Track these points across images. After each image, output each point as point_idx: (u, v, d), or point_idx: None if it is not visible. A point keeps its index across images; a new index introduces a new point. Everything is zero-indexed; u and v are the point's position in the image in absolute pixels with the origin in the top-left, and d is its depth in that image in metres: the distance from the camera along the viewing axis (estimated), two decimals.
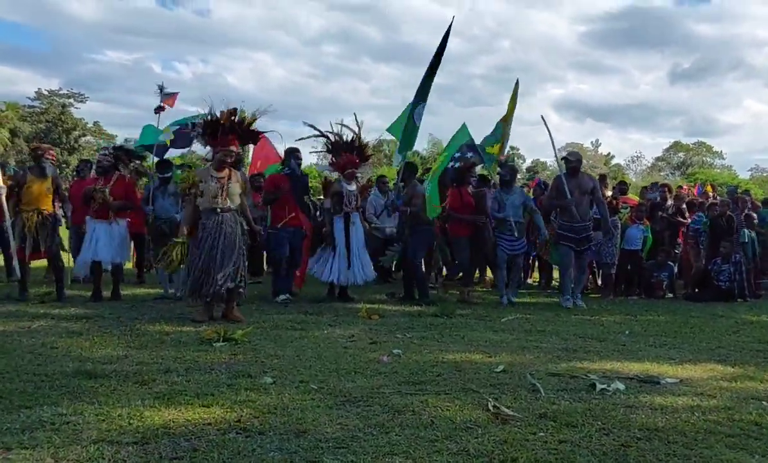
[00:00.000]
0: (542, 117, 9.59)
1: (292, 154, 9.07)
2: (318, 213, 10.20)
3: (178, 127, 9.69)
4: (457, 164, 9.61)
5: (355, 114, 9.01)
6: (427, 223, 9.09)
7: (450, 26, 9.74)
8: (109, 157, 8.62)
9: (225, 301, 7.01)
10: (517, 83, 10.32)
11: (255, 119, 7.20)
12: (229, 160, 7.07)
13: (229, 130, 7.05)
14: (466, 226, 9.27)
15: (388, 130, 10.01)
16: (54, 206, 8.44)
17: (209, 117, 7.00)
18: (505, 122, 10.12)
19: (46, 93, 55.18)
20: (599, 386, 4.42)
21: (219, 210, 6.87)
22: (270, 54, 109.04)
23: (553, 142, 9.58)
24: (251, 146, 9.12)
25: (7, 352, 5.05)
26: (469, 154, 9.72)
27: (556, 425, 3.60)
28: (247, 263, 7.24)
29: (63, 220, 8.82)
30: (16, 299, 8.13)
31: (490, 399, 3.99)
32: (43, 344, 5.42)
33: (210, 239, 6.81)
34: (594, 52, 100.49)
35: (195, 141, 8.50)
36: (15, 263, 8.15)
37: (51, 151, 8.61)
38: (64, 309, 7.44)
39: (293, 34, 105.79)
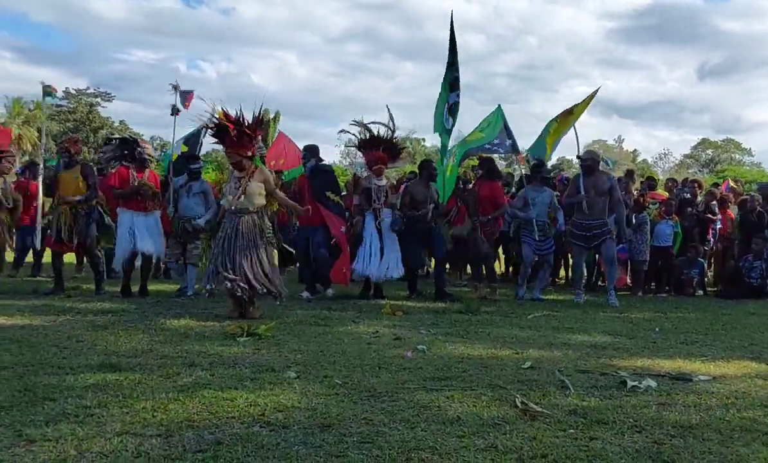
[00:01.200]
0: (571, 117, 9.52)
1: (307, 152, 9.08)
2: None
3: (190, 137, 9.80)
4: (499, 151, 9.58)
5: (388, 108, 8.90)
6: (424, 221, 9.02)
7: (452, 21, 9.71)
8: (143, 150, 8.66)
9: (245, 299, 6.85)
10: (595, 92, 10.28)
11: (262, 117, 7.09)
12: (238, 161, 6.88)
13: (234, 134, 6.81)
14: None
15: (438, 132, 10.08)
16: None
17: (216, 122, 6.83)
18: (564, 125, 10.11)
19: (74, 92, 55.84)
20: (630, 384, 4.31)
21: (234, 210, 6.78)
22: (293, 53, 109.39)
23: (577, 142, 9.58)
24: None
25: (33, 345, 5.07)
26: (508, 142, 9.62)
27: (586, 422, 3.51)
28: (266, 264, 6.95)
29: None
30: (44, 293, 8.19)
31: (518, 395, 3.90)
32: (69, 337, 5.44)
33: (226, 238, 6.75)
34: (620, 49, 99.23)
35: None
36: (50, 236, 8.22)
37: (76, 145, 8.66)
38: (90, 303, 7.49)
39: (316, 33, 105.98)
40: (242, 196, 6.78)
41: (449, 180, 9.49)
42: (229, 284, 6.59)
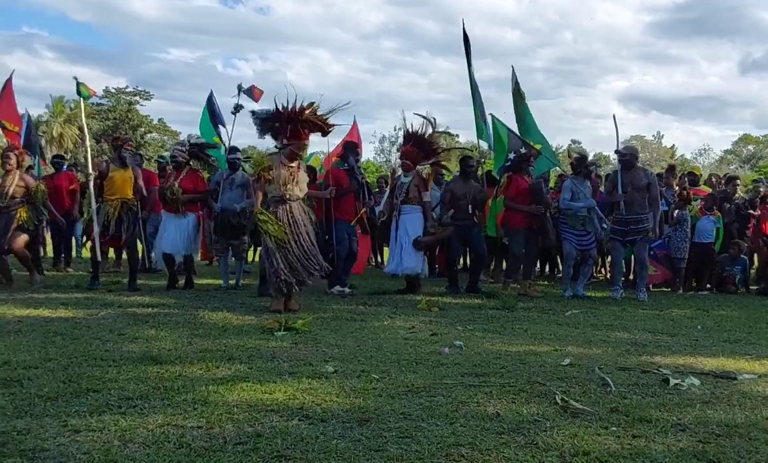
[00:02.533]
0: (614, 116, 9.40)
1: (352, 149, 9.07)
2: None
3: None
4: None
5: (427, 113, 9.01)
6: (465, 218, 8.99)
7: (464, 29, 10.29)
8: (184, 152, 8.80)
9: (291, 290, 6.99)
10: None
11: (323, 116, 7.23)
12: (301, 154, 7.20)
13: (302, 124, 7.03)
14: (522, 217, 9.11)
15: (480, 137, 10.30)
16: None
17: (281, 109, 6.97)
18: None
19: (113, 91, 56.86)
20: (673, 381, 4.22)
21: (288, 197, 6.92)
22: (328, 50, 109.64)
23: (617, 137, 9.44)
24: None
25: (77, 338, 5.17)
26: (523, 150, 9.56)
27: (628, 419, 3.45)
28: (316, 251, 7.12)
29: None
30: (86, 288, 8.35)
31: (558, 392, 3.86)
32: (111, 330, 5.53)
33: (295, 227, 6.88)
34: (659, 43, 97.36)
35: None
36: (97, 247, 8.38)
37: (129, 143, 8.85)
38: (131, 298, 7.62)
39: (351, 29, 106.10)
40: (295, 184, 6.99)
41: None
42: (304, 276, 6.91)
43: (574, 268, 9.43)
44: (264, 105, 8.12)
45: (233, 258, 9.17)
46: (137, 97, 57.12)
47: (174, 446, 2.90)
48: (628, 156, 9.07)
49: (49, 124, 54.15)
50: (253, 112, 7.36)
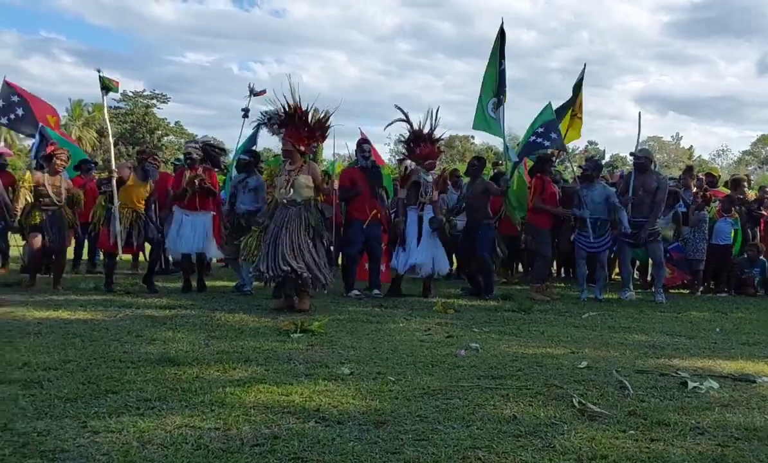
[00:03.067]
0: (639, 115, 9.36)
1: (357, 147, 9.07)
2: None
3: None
4: (544, 144, 9.46)
5: (433, 109, 8.81)
6: (489, 218, 8.95)
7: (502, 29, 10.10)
8: (198, 149, 8.83)
9: (292, 292, 7.08)
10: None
11: (327, 117, 7.37)
12: (288, 149, 7.20)
13: (297, 125, 7.17)
14: (548, 218, 9.08)
15: (475, 127, 10.27)
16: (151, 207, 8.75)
17: (283, 109, 7.15)
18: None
19: (131, 94, 57.27)
20: (691, 385, 4.19)
21: (285, 202, 7.04)
22: (343, 52, 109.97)
23: (638, 139, 9.40)
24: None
25: (95, 339, 5.22)
26: (553, 135, 9.48)
27: (646, 423, 3.43)
28: (318, 256, 7.14)
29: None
30: (103, 291, 8.41)
31: (575, 395, 3.84)
32: (129, 332, 5.57)
33: (275, 229, 7.00)
34: (676, 43, 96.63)
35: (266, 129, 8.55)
36: (117, 237, 8.45)
37: (154, 157, 8.91)
38: (148, 299, 7.67)
39: (366, 31, 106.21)
40: (291, 189, 7.03)
41: (519, 191, 9.48)
42: (271, 274, 6.86)
43: (591, 272, 9.40)
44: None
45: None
46: (154, 101, 57.55)
47: (192, 448, 2.92)
48: (642, 159, 9.03)
49: (68, 127, 54.63)
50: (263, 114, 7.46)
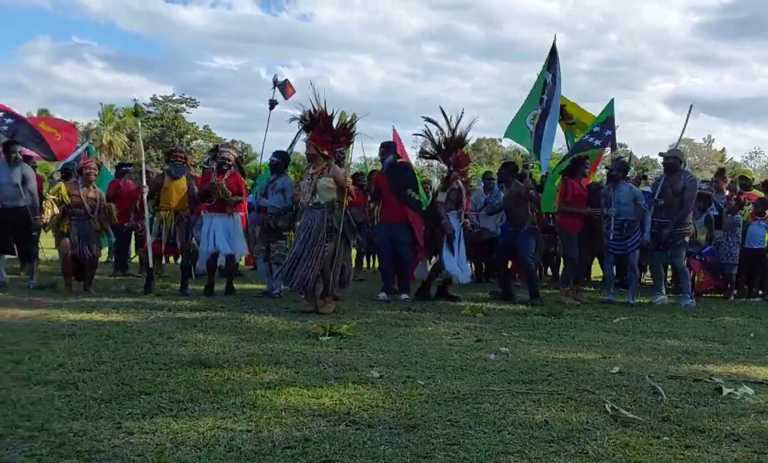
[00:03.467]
0: (690, 107, 9.31)
1: (384, 148, 9.10)
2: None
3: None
4: (595, 143, 9.37)
5: (458, 112, 8.79)
6: (532, 222, 8.82)
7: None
8: (232, 155, 8.95)
9: (314, 294, 7.22)
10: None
11: (353, 123, 7.53)
12: (312, 153, 7.32)
13: (322, 129, 7.31)
14: (578, 221, 8.97)
15: (507, 135, 10.33)
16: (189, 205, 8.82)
17: (310, 112, 7.34)
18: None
19: (160, 99, 58.10)
20: (726, 391, 4.13)
21: (308, 206, 7.19)
22: (370, 55, 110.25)
23: (680, 137, 9.34)
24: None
25: (128, 341, 5.29)
26: (607, 132, 9.42)
27: (680, 429, 3.38)
28: (340, 259, 7.28)
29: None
30: (136, 292, 8.52)
31: (608, 401, 3.80)
32: (160, 334, 5.63)
33: (300, 233, 7.18)
34: (707, 44, 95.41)
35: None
36: (150, 255, 8.63)
37: (175, 154, 9.01)
38: (179, 302, 7.75)
39: (393, 35, 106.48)
40: (314, 193, 7.14)
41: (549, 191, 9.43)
42: (297, 280, 7.02)
43: (620, 276, 9.27)
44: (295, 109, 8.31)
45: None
46: (183, 105, 58.31)
47: (224, 450, 2.94)
48: (671, 160, 8.91)
49: (99, 132, 55.51)
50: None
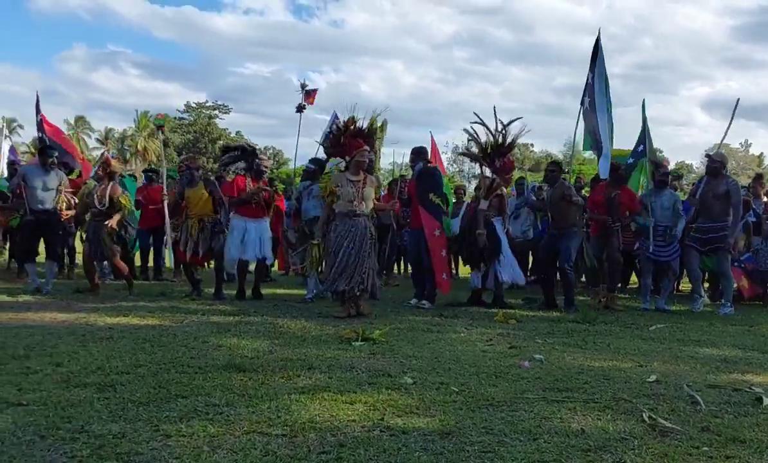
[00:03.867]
0: (737, 101, 9.15)
1: (414, 155, 9.09)
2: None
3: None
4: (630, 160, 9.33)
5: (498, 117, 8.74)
6: (575, 225, 8.65)
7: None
8: (269, 161, 9.06)
9: (355, 298, 7.33)
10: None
11: (374, 122, 7.82)
12: (365, 161, 7.42)
13: (353, 135, 7.54)
14: (596, 226, 8.94)
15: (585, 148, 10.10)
16: (218, 211, 8.93)
17: (334, 131, 7.50)
18: None
19: (194, 105, 58.93)
20: (766, 400, 4.03)
21: (354, 214, 7.24)
22: (400, 61, 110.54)
23: (723, 138, 9.24)
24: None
25: (164, 345, 5.36)
26: (640, 148, 9.40)
27: (721, 439, 3.31)
28: (374, 264, 7.43)
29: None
30: (171, 296, 8.64)
31: (645, 410, 3.74)
32: (195, 338, 5.70)
33: (343, 241, 7.21)
34: (744, 47, 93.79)
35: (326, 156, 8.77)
36: (169, 257, 8.81)
37: (183, 163, 9.15)
38: (213, 306, 7.83)
39: (423, 40, 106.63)
40: (361, 200, 7.28)
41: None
42: (348, 287, 7.16)
43: (655, 282, 9.12)
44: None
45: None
46: (216, 111, 59.04)
47: (260, 454, 2.97)
48: (717, 164, 8.73)
49: (134, 138, 56.42)
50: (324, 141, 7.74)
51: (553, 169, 9.06)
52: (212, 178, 9.64)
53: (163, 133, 10.05)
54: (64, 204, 8.94)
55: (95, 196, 8.60)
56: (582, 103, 9.58)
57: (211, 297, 8.65)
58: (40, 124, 11.53)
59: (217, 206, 8.80)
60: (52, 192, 9.06)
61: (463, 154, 9.69)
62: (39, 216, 8.91)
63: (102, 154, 9.39)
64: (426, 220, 8.48)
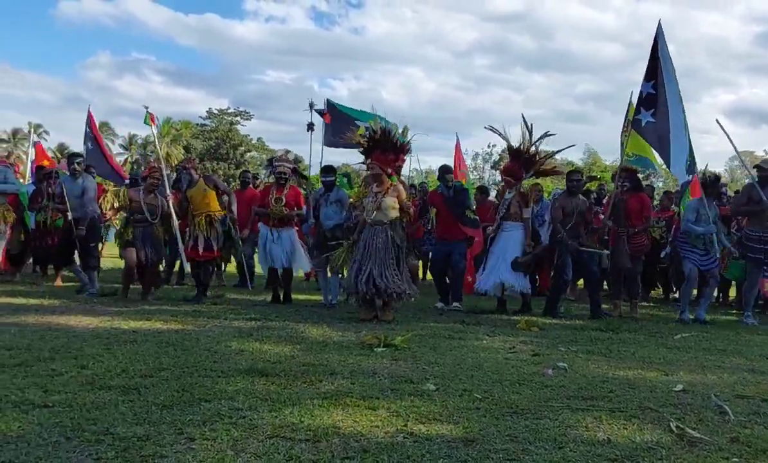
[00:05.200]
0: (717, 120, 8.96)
1: (440, 177, 9.30)
2: None
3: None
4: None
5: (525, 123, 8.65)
6: (575, 237, 8.52)
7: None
8: (290, 169, 9.13)
9: (378, 303, 7.46)
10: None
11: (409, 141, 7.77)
12: (379, 173, 7.50)
13: (382, 147, 7.55)
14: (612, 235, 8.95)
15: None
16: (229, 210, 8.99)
17: (369, 135, 7.63)
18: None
19: (215, 112, 59.33)
20: None
21: (371, 223, 7.39)
22: (421, 68, 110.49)
23: (735, 147, 9.04)
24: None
25: (187, 349, 5.38)
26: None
27: (750, 451, 3.25)
28: (399, 272, 7.41)
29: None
30: (189, 301, 8.68)
31: (672, 419, 3.68)
32: (218, 342, 5.72)
33: (362, 248, 7.39)
34: None
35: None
36: (183, 260, 8.90)
37: (186, 163, 9.23)
38: (235, 311, 7.86)
39: (444, 47, 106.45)
40: (378, 211, 7.39)
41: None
42: (364, 289, 7.23)
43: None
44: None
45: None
46: (238, 118, 59.41)
47: (284, 458, 2.96)
48: (767, 170, 8.55)
49: (157, 144, 56.82)
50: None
51: (579, 179, 8.99)
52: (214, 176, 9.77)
53: (147, 123, 10.16)
54: (107, 205, 9.11)
55: (144, 206, 8.70)
56: (635, 120, 8.81)
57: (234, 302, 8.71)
58: (91, 135, 11.72)
59: (221, 199, 8.89)
60: (83, 199, 9.23)
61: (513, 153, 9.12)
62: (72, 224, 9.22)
63: (150, 161, 9.55)
64: (474, 233, 9.09)
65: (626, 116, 9.85)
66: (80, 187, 9.37)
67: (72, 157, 9.83)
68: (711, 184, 8.77)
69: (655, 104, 8.54)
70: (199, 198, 8.78)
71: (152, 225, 8.80)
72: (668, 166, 8.82)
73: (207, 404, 3.76)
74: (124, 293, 8.91)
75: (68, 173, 9.62)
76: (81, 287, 9.36)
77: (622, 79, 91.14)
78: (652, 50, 8.73)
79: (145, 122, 9.92)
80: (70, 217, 9.29)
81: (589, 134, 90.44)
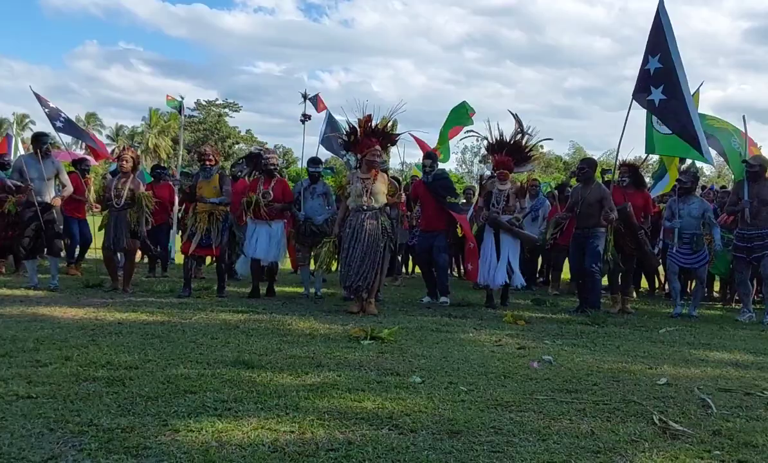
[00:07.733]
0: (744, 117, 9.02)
1: (426, 160, 9.17)
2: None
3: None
4: None
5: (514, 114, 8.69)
6: (601, 225, 8.29)
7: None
8: (277, 159, 9.08)
9: (363, 295, 7.45)
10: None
11: (388, 122, 7.79)
12: (376, 160, 7.55)
13: (369, 135, 7.62)
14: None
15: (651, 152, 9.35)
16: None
17: (349, 127, 7.72)
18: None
19: (204, 103, 59.07)
20: None
21: (362, 209, 7.39)
22: (411, 61, 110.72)
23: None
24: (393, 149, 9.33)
25: (172, 341, 5.36)
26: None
27: (732, 444, 3.28)
28: (385, 262, 7.51)
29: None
30: (177, 296, 8.62)
31: (656, 412, 3.71)
32: (204, 334, 5.70)
33: (353, 235, 7.37)
34: (758, 50, 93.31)
35: (342, 150, 8.75)
36: (174, 254, 8.85)
37: (206, 157, 9.05)
38: (221, 304, 7.83)
39: (435, 40, 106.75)
40: (369, 196, 7.42)
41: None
42: (360, 283, 7.30)
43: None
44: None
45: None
46: (227, 109, 59.18)
47: (268, 450, 2.96)
48: (756, 167, 8.50)
49: (144, 135, 56.64)
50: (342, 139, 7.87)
51: (587, 167, 8.71)
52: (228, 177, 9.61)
53: (181, 114, 9.96)
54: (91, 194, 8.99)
55: (112, 191, 8.62)
56: (648, 101, 8.34)
57: (217, 294, 8.66)
58: (56, 110, 11.48)
59: (225, 198, 8.81)
60: (50, 182, 8.79)
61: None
62: (38, 209, 8.53)
63: (123, 147, 9.29)
64: (460, 219, 8.98)
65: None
66: (52, 169, 8.78)
67: (41, 136, 9.29)
68: (694, 181, 8.86)
69: (666, 80, 8.18)
70: (208, 192, 8.66)
71: (121, 210, 8.63)
72: (698, 150, 8.29)
73: (192, 396, 3.75)
74: (113, 281, 8.85)
75: (34, 153, 9.01)
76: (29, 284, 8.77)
77: (612, 74, 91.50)
78: (653, 25, 8.41)
79: (174, 107, 9.77)
80: (34, 199, 8.52)
81: (576, 129, 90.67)
